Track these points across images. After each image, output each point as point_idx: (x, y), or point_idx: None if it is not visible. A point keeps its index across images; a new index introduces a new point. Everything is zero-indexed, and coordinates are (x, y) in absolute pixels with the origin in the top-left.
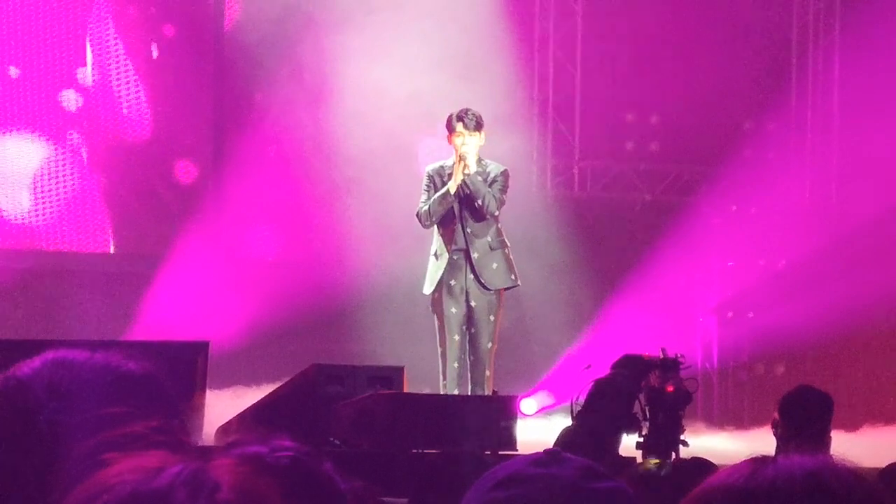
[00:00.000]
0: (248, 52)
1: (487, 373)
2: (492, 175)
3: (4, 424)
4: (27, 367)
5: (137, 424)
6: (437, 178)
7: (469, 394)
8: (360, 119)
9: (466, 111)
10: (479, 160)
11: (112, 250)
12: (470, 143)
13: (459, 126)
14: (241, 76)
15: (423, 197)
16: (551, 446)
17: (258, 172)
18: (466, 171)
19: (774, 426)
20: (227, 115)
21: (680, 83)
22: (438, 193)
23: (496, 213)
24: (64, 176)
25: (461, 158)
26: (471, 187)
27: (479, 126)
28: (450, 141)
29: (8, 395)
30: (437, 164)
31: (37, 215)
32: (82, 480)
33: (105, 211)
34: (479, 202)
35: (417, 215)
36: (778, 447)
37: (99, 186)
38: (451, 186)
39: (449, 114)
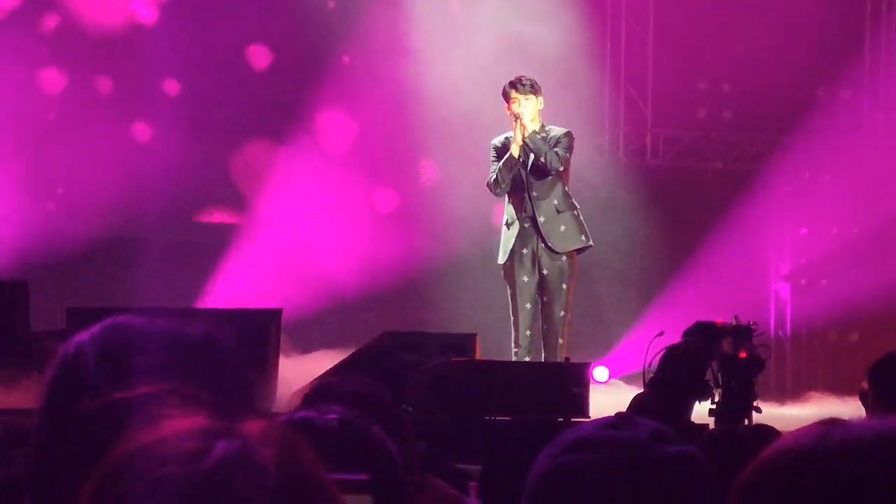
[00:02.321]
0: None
1: (560, 340)
2: (554, 137)
3: (59, 389)
4: (86, 333)
5: (158, 385)
6: (503, 149)
7: (542, 361)
8: (434, 91)
9: (520, 78)
10: (542, 126)
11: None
12: (527, 106)
13: (514, 92)
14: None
15: (492, 167)
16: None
17: (335, 143)
18: (526, 133)
19: (863, 397)
20: (299, 91)
21: (753, 51)
22: (503, 159)
23: (559, 169)
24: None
25: (517, 118)
26: (531, 146)
27: (534, 89)
28: (509, 110)
29: (66, 361)
30: (501, 137)
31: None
32: (118, 450)
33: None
34: (542, 160)
35: (488, 185)
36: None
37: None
38: (514, 150)
39: (503, 85)
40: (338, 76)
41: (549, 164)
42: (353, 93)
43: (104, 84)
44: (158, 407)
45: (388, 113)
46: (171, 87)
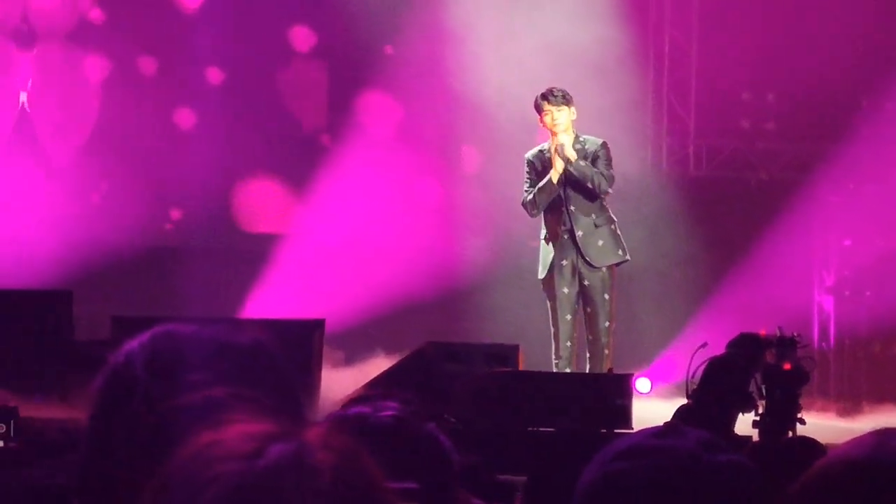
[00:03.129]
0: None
1: (606, 351)
2: (591, 150)
3: (109, 397)
4: (135, 341)
5: (220, 389)
6: (538, 163)
7: (585, 372)
8: (477, 103)
9: (552, 89)
10: (577, 136)
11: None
12: (560, 118)
13: (546, 104)
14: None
15: (526, 184)
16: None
17: (376, 154)
18: (570, 159)
19: None
20: (343, 99)
21: (796, 61)
22: (541, 184)
23: (609, 191)
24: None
25: (557, 149)
26: (576, 174)
27: (566, 100)
28: (541, 122)
29: (115, 369)
30: (535, 150)
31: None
32: (180, 452)
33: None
34: (590, 185)
35: (524, 205)
36: None
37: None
38: (554, 176)
39: (535, 97)
40: (381, 66)
41: (597, 188)
42: (396, 82)
43: (148, 66)
44: (223, 411)
45: (431, 102)
46: (214, 75)
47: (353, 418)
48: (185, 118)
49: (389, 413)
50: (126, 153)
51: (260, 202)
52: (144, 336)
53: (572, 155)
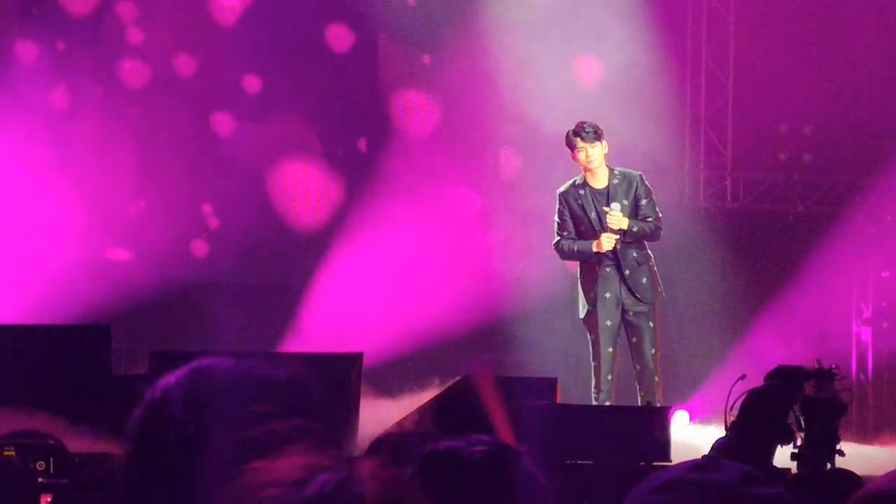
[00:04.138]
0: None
1: (656, 379)
2: (634, 189)
3: (146, 433)
4: (172, 377)
5: (279, 423)
6: (572, 200)
7: (625, 405)
8: (515, 136)
9: (582, 125)
10: (612, 170)
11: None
12: (594, 155)
13: (579, 141)
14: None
15: (557, 221)
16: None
17: (408, 185)
18: (619, 226)
19: None
20: (379, 118)
21: (833, 93)
22: (581, 247)
23: (661, 233)
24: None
25: (608, 225)
26: (633, 238)
27: (598, 136)
28: (574, 158)
29: (152, 406)
30: (566, 185)
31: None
32: (224, 487)
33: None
34: (647, 240)
35: (555, 248)
36: None
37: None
38: (603, 245)
39: (566, 132)
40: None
41: (653, 236)
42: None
43: (185, 67)
44: (285, 444)
45: (467, 108)
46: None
47: (443, 453)
48: (224, 130)
49: (482, 448)
50: (164, 179)
51: (297, 235)
52: (181, 371)
53: (624, 224)
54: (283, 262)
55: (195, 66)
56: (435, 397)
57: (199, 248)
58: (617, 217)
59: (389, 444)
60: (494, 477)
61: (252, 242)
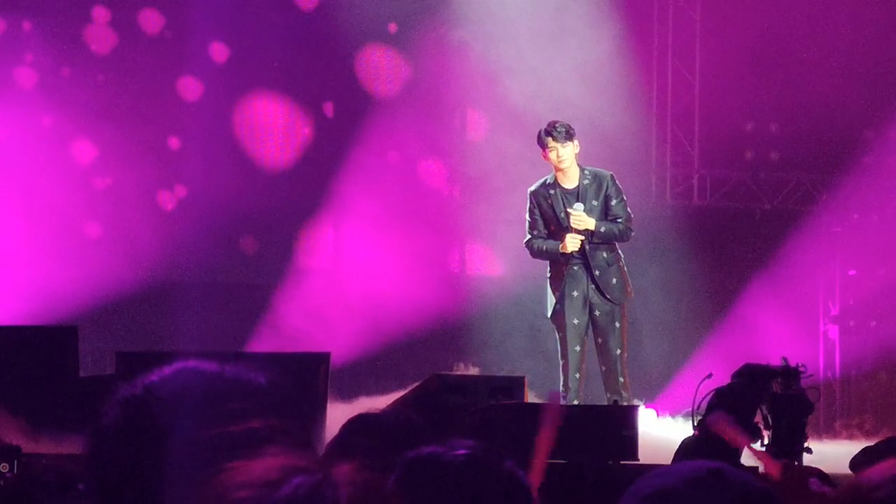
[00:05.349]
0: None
1: (622, 379)
2: (604, 190)
3: (130, 432)
4: (157, 376)
5: (259, 422)
6: (542, 200)
7: (592, 404)
8: (487, 133)
9: (554, 124)
10: (582, 169)
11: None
12: (565, 154)
13: (549, 140)
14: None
15: (528, 220)
16: (673, 455)
17: (380, 184)
18: (590, 228)
19: None
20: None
21: (799, 91)
22: (549, 247)
23: (633, 233)
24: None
25: (573, 224)
26: (601, 240)
27: (569, 135)
28: (545, 157)
29: (136, 404)
30: (537, 185)
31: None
32: (202, 486)
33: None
34: (618, 241)
35: (527, 247)
36: None
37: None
38: (569, 246)
39: (538, 131)
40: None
41: (623, 237)
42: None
43: (153, 26)
44: (263, 443)
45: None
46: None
47: (425, 458)
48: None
49: (463, 452)
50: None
51: (265, 234)
52: (167, 370)
53: (591, 224)
54: (256, 260)
55: (162, 25)
56: (402, 397)
57: (160, 249)
58: (581, 217)
59: (369, 420)
60: (477, 481)
61: (216, 239)
